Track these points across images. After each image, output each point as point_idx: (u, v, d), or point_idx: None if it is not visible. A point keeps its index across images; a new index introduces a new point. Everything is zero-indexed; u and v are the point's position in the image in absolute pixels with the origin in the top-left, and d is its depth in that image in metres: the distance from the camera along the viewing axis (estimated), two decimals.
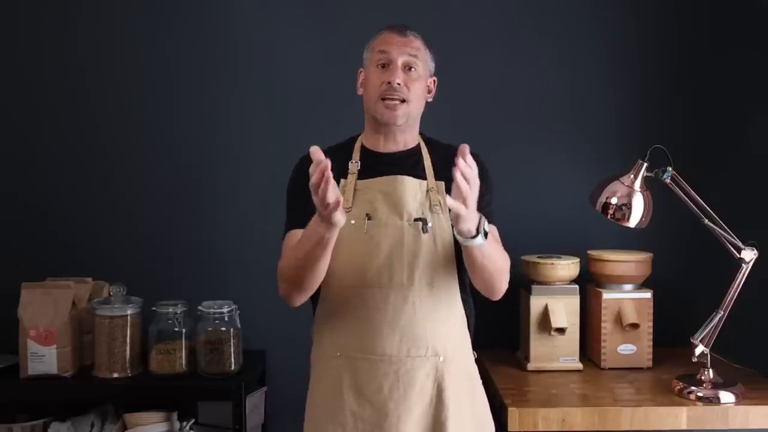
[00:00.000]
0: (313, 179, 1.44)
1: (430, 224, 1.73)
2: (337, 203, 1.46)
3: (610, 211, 2.10)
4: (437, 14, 2.51)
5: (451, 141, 1.86)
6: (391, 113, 1.75)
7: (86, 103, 2.55)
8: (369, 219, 1.73)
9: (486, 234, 1.58)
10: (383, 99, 1.75)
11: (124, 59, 2.54)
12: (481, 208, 1.78)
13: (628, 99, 2.57)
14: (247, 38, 2.54)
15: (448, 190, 1.73)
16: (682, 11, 2.55)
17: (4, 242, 2.53)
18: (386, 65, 1.76)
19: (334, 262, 1.71)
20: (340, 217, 1.49)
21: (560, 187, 2.56)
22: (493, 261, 1.67)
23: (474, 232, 1.56)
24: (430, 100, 1.85)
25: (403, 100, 1.75)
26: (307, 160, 1.80)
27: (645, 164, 2.09)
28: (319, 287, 1.75)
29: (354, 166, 1.80)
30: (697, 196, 2.07)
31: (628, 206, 2.09)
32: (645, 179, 2.10)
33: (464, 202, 1.49)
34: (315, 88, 2.53)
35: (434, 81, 1.85)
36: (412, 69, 1.77)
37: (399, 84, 1.74)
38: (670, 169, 2.06)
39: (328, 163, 1.44)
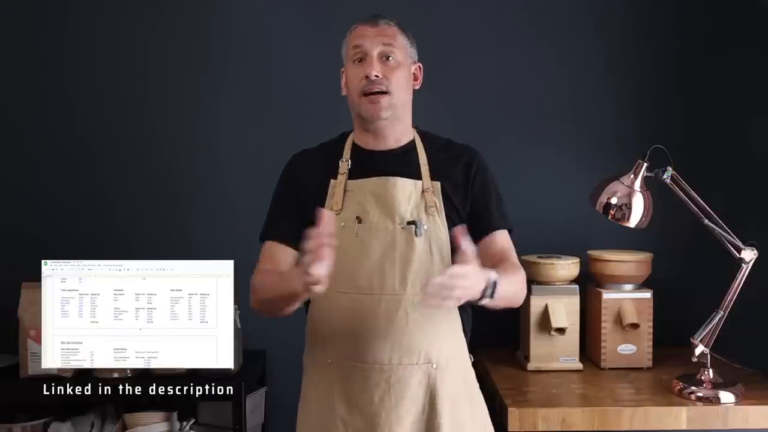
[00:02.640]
0: (310, 244, 1.40)
1: (425, 227, 1.68)
2: (318, 281, 1.41)
3: (611, 211, 2.10)
4: (437, 14, 2.51)
5: (454, 139, 1.87)
6: (374, 108, 1.69)
7: (87, 105, 2.55)
8: (359, 222, 1.69)
9: (493, 293, 1.51)
10: (365, 94, 1.69)
11: (122, 59, 2.54)
12: (489, 209, 1.78)
13: (628, 99, 2.57)
14: (243, 38, 2.54)
15: (445, 191, 1.73)
16: (682, 11, 2.55)
17: (4, 242, 2.54)
18: (362, 59, 1.70)
19: None
20: (320, 290, 1.44)
21: (560, 187, 2.55)
22: (507, 299, 1.62)
23: (479, 296, 1.49)
24: (417, 87, 1.79)
25: (385, 92, 1.69)
26: (295, 161, 1.81)
27: (645, 164, 2.09)
28: None
29: (344, 165, 1.74)
30: (697, 196, 2.07)
31: (628, 206, 2.09)
32: (645, 179, 2.10)
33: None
34: (311, 86, 2.53)
35: (419, 67, 1.79)
36: (390, 58, 1.70)
37: (377, 76, 1.68)
38: (670, 169, 2.06)
39: (331, 239, 1.40)
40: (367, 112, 1.71)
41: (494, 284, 1.50)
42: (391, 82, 1.69)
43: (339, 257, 1.64)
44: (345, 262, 1.66)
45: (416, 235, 1.67)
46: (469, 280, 1.44)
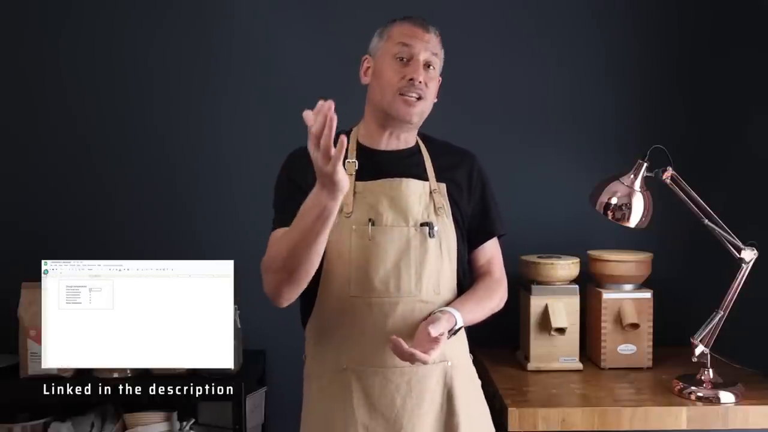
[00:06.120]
0: (315, 127, 1.29)
1: (436, 228, 1.68)
2: (338, 157, 1.31)
3: (610, 211, 2.10)
4: (437, 14, 2.49)
5: (451, 141, 1.87)
6: (409, 110, 1.67)
7: (87, 104, 2.55)
8: (372, 224, 1.66)
9: (456, 331, 1.65)
10: (402, 94, 1.67)
11: (122, 59, 2.54)
12: (490, 216, 1.81)
13: (628, 99, 2.57)
14: (244, 36, 2.54)
15: (450, 193, 1.75)
16: (682, 11, 2.55)
17: (4, 242, 2.54)
18: (407, 60, 1.69)
19: (336, 270, 1.66)
20: (343, 178, 1.34)
21: (560, 187, 2.56)
22: (478, 319, 1.72)
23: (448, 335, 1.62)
24: (436, 100, 1.79)
25: (421, 98, 1.68)
26: (296, 157, 1.78)
27: (645, 164, 2.09)
28: (315, 298, 1.69)
29: (351, 166, 1.70)
30: (697, 196, 2.07)
31: (628, 206, 2.09)
32: (645, 179, 2.10)
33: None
34: (314, 86, 2.52)
35: (439, 81, 1.79)
36: (431, 67, 1.71)
37: (421, 82, 1.67)
38: (670, 169, 2.06)
39: (332, 104, 1.29)
40: (398, 111, 1.68)
41: (457, 330, 1.65)
42: (428, 91, 1.70)
43: (352, 260, 1.65)
44: (359, 265, 1.65)
45: (430, 237, 1.68)
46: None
